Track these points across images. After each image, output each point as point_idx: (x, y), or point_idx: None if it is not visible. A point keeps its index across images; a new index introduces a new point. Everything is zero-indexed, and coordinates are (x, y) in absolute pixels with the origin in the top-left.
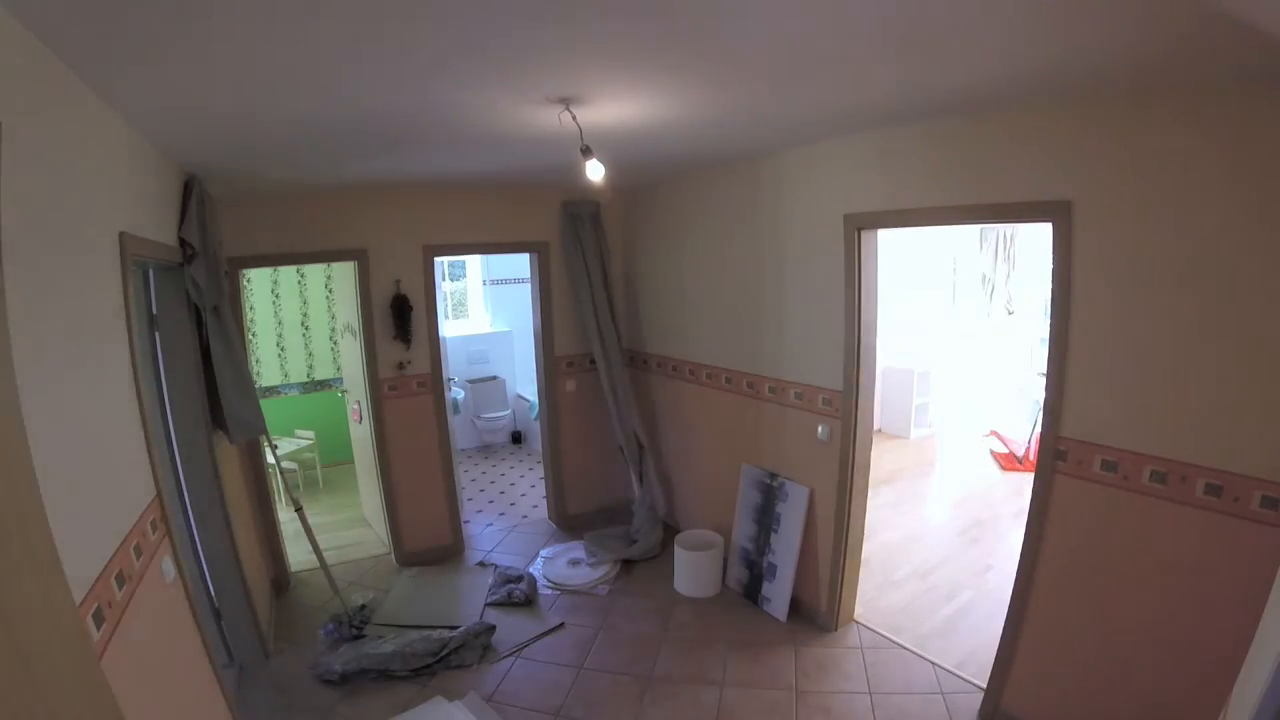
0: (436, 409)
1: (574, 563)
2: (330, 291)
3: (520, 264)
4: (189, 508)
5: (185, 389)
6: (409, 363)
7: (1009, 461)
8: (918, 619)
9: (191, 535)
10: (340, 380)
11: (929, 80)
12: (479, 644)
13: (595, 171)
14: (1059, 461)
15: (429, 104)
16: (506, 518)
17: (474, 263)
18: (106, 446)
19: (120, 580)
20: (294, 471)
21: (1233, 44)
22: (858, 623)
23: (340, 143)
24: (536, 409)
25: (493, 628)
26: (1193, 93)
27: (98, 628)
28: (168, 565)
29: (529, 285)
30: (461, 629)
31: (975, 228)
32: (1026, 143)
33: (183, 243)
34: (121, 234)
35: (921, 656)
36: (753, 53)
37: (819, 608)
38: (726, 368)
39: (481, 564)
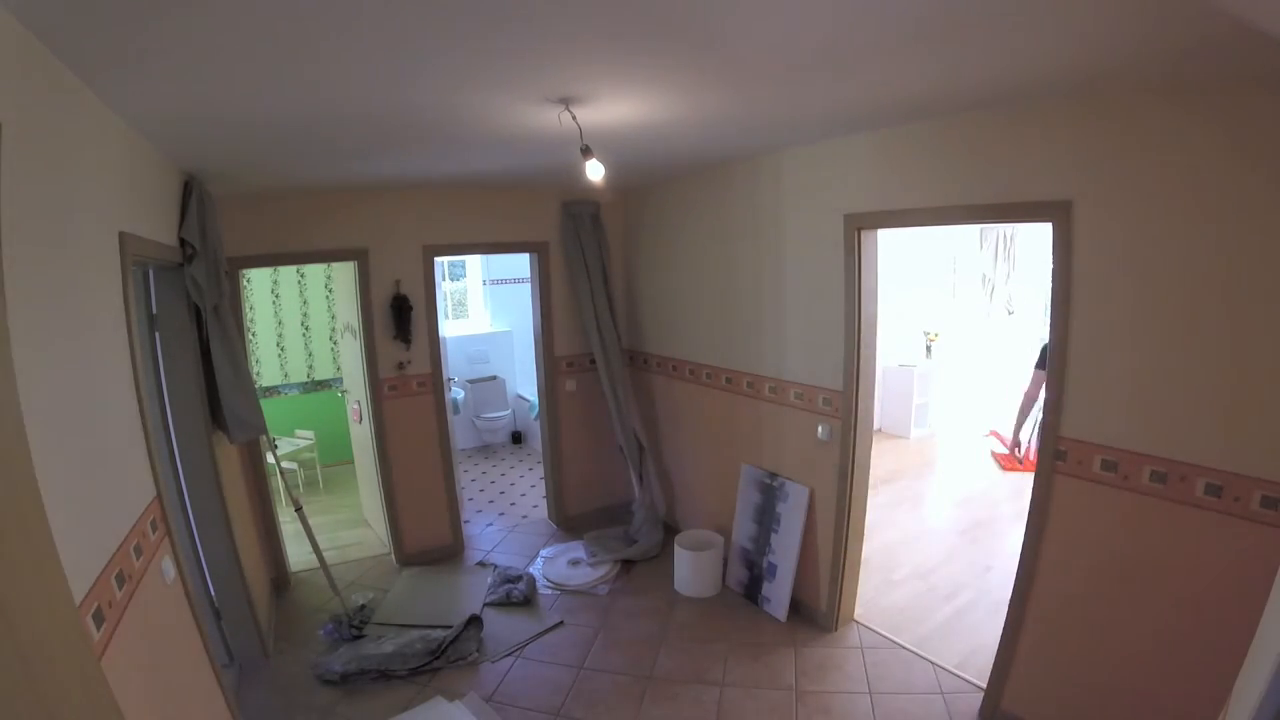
0: (436, 409)
1: (574, 563)
2: (330, 291)
3: (520, 264)
4: (189, 508)
5: (185, 389)
6: (409, 363)
7: (1009, 462)
8: (918, 619)
9: (191, 535)
10: (340, 380)
11: (930, 81)
12: (472, 635)
13: (595, 171)
14: (1059, 461)
15: (428, 104)
16: (506, 518)
17: (474, 263)
18: (106, 446)
19: (120, 580)
20: (294, 471)
21: (1233, 43)
22: (858, 623)
23: (339, 143)
24: (536, 409)
25: (478, 617)
26: (1193, 92)
27: (98, 628)
28: (168, 565)
29: (529, 285)
30: (454, 626)
31: (975, 228)
32: (1026, 143)
33: (183, 243)
34: (121, 234)
35: (921, 656)
36: (753, 54)
37: (819, 608)
38: (726, 367)
39: (481, 564)
